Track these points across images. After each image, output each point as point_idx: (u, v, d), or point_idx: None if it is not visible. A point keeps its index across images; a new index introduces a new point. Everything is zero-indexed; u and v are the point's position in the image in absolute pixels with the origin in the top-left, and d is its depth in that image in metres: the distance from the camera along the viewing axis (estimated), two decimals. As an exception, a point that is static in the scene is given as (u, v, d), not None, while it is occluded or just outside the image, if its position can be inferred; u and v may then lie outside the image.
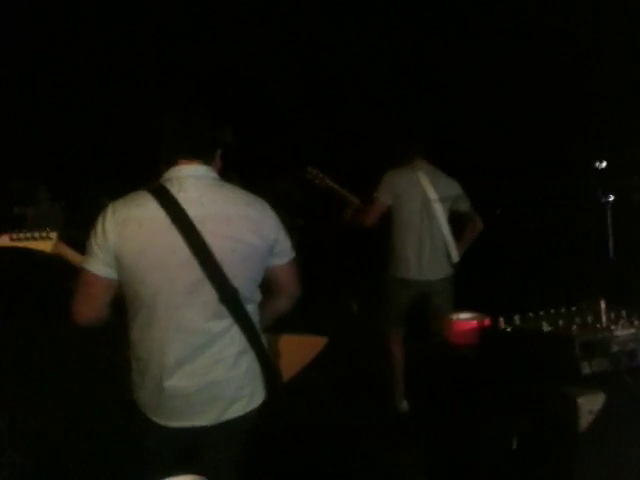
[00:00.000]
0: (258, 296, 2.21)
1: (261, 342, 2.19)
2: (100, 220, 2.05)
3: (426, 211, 4.29)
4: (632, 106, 4.76)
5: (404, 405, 4.29)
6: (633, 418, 1.79)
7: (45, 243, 2.41)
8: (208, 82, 6.11)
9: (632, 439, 1.79)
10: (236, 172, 3.76)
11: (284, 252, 2.23)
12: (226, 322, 2.09)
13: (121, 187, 2.24)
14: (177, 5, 6.26)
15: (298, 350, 2.49)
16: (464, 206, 4.46)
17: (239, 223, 2.08)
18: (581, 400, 1.73)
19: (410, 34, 6.02)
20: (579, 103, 5.43)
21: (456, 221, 4.40)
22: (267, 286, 2.28)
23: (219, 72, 6.16)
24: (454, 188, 4.43)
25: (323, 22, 6.33)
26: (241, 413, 2.12)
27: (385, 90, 6.24)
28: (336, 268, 4.92)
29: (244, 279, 2.10)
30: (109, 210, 2.05)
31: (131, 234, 2.01)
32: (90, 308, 2.09)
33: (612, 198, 3.37)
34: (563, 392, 1.77)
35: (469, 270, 4.35)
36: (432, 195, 4.30)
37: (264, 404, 2.19)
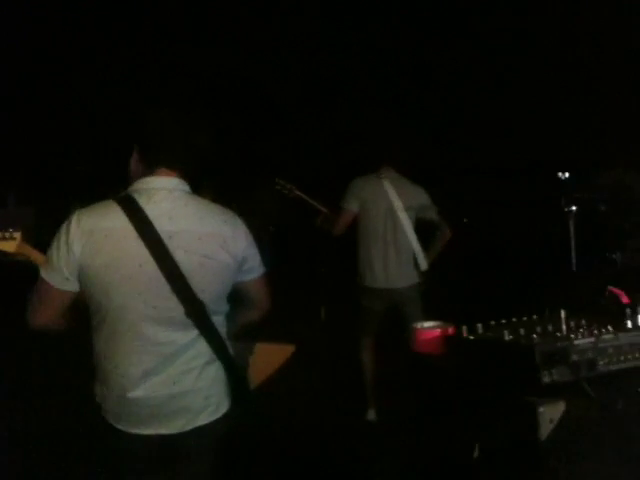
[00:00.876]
0: (225, 308, 2.21)
1: (228, 352, 2.19)
2: (64, 229, 2.01)
3: (391, 219, 4.31)
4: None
5: (372, 414, 4.30)
6: (593, 427, 1.81)
7: (9, 243, 2.35)
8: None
9: (592, 447, 1.81)
10: (211, 182, 3.75)
11: (254, 268, 2.23)
12: (192, 334, 2.08)
13: (94, 192, 2.19)
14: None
15: (266, 358, 2.49)
16: (431, 214, 4.49)
17: (210, 240, 2.06)
18: (541, 409, 1.75)
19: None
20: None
21: (425, 230, 4.43)
22: (237, 297, 2.29)
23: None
24: (421, 196, 4.46)
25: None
26: (207, 421, 2.11)
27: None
28: (306, 274, 4.93)
29: (211, 293, 2.09)
30: (74, 219, 2.01)
31: (96, 245, 1.98)
32: (44, 315, 2.07)
33: (575, 208, 3.43)
34: (524, 401, 1.78)
35: (437, 278, 4.39)
36: (397, 203, 4.33)
37: (231, 412, 2.18)
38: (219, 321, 2.15)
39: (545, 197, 3.86)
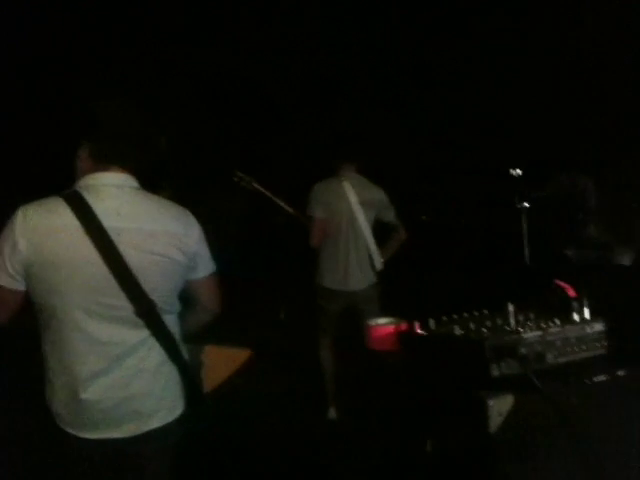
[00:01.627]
0: (177, 307, 2.18)
1: (181, 353, 2.16)
2: (9, 226, 1.97)
3: (351, 221, 4.35)
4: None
5: (332, 412, 4.31)
6: (541, 419, 1.84)
7: None
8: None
9: (541, 439, 1.84)
10: (169, 182, 3.72)
11: (204, 266, 2.21)
12: (143, 334, 2.05)
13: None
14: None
15: (220, 361, 2.48)
16: (389, 215, 4.54)
17: (160, 237, 2.03)
18: (491, 403, 1.77)
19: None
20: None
21: (381, 229, 4.47)
22: (186, 297, 2.26)
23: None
24: (379, 197, 4.50)
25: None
26: (160, 424, 2.09)
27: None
28: (265, 275, 4.92)
29: (162, 292, 2.06)
30: (19, 216, 1.96)
31: (42, 242, 1.94)
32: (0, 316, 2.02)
33: (527, 205, 3.49)
34: (473, 395, 1.80)
35: (394, 276, 4.42)
36: (357, 205, 4.37)
37: (185, 415, 2.16)
38: (171, 321, 2.12)
39: (499, 194, 3.92)
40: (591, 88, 5.19)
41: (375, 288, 4.45)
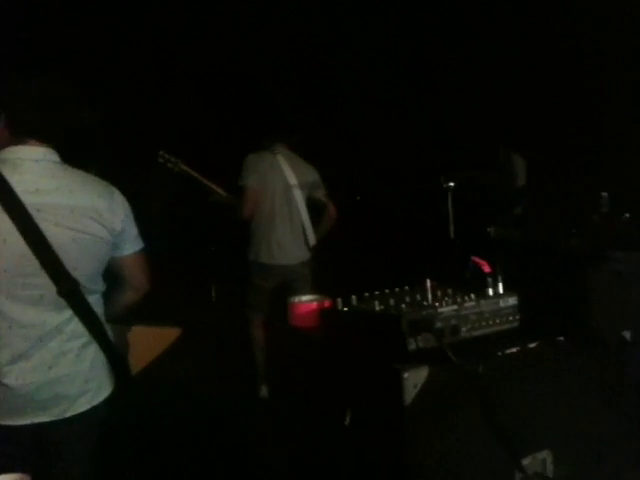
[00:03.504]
0: (101, 286, 2.14)
1: (106, 334, 2.13)
2: None
3: (286, 196, 4.35)
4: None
5: (264, 390, 4.34)
6: (455, 390, 1.90)
7: None
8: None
9: (455, 409, 1.91)
10: (96, 159, 3.63)
11: (131, 243, 2.17)
12: (65, 314, 2.00)
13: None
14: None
15: (148, 341, 2.46)
16: (320, 193, 4.57)
17: (82, 213, 1.98)
18: (406, 375, 1.82)
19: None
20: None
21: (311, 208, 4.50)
22: (113, 276, 2.23)
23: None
24: (312, 175, 4.52)
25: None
26: (86, 407, 2.05)
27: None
28: (195, 253, 4.89)
29: (85, 271, 2.02)
30: None
31: None
32: None
33: (453, 184, 3.57)
34: (390, 368, 1.85)
35: (325, 253, 4.47)
36: (292, 180, 4.37)
37: (112, 397, 2.14)
38: (95, 300, 2.09)
39: (427, 174, 4.00)
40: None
41: (308, 265, 4.48)
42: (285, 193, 4.35)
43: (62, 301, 1.98)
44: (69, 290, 1.98)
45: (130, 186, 2.28)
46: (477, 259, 2.16)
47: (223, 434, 3.75)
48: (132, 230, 2.18)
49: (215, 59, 5.59)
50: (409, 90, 6.09)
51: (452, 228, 3.54)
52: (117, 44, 5.40)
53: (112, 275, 2.19)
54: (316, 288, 3.98)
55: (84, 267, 2.01)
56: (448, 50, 5.98)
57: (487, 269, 2.15)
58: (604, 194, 3.64)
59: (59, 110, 2.07)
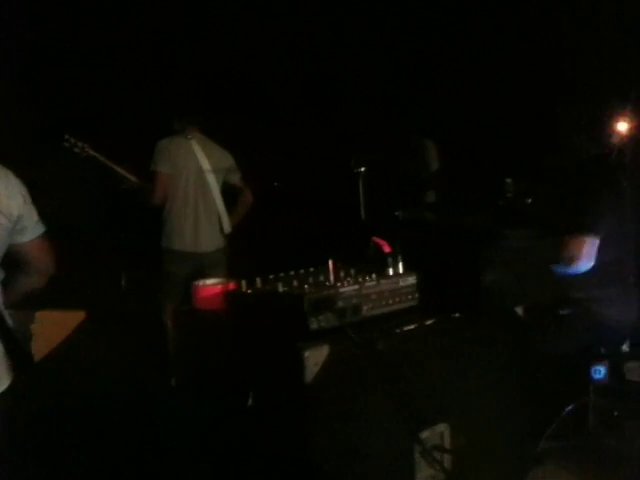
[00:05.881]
0: (1, 274, 2.08)
1: (5, 322, 2.06)
2: None
3: (200, 181, 4.29)
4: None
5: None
6: (355, 367, 1.95)
7: None
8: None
9: (355, 386, 1.96)
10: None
11: (31, 228, 2.11)
12: None
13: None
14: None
15: (52, 326, 2.41)
16: (235, 179, 4.53)
17: None
18: (307, 353, 1.85)
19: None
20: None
21: (228, 193, 4.46)
22: (15, 261, 2.17)
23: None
24: (227, 160, 4.48)
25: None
26: None
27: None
28: (104, 240, 4.76)
29: None
30: None
31: None
32: None
33: (364, 169, 3.61)
34: (291, 347, 1.88)
35: (242, 239, 4.46)
36: (206, 165, 4.31)
37: (15, 386, 2.08)
38: (-8, 288, 2.03)
39: (338, 158, 4.04)
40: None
41: (224, 252, 4.44)
42: (198, 178, 4.29)
43: None
44: None
45: (35, 171, 2.20)
46: (378, 240, 2.21)
47: (132, 422, 3.68)
48: (32, 216, 2.12)
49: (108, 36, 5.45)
50: (323, 77, 6.13)
51: (363, 212, 3.59)
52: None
53: (13, 261, 2.13)
54: (232, 274, 3.97)
55: None
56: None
57: (387, 249, 2.20)
58: (509, 180, 3.79)
59: None
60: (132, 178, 4.19)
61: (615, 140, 3.78)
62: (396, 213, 3.36)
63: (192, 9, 5.70)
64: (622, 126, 5.20)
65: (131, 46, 5.28)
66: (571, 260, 2.79)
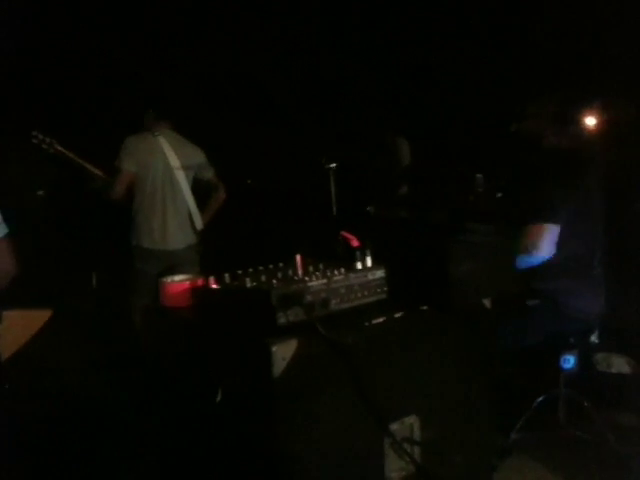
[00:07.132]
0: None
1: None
2: None
3: (169, 178, 4.25)
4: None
5: (151, 377, 4.26)
6: (324, 361, 1.95)
7: None
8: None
9: (323, 380, 1.95)
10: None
11: None
12: None
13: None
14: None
15: (17, 326, 2.38)
16: (208, 175, 4.50)
17: None
18: (274, 348, 1.84)
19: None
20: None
21: (201, 190, 4.43)
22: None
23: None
24: (198, 156, 4.44)
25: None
26: None
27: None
28: (75, 239, 4.70)
29: None
30: None
31: None
32: None
33: (334, 165, 3.63)
34: (259, 341, 1.87)
35: (214, 236, 4.43)
36: (175, 162, 4.27)
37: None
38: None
39: (311, 155, 4.04)
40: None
41: (195, 249, 4.40)
42: (166, 176, 4.24)
43: None
44: None
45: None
46: (346, 234, 2.21)
47: (99, 423, 3.64)
48: None
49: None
50: (297, 75, 6.12)
51: (335, 208, 3.60)
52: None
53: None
54: (204, 271, 3.94)
55: None
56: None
57: (355, 243, 2.20)
58: (479, 176, 3.82)
59: None
60: (99, 173, 4.14)
61: (584, 135, 3.82)
62: (368, 208, 3.37)
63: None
64: (590, 121, 5.27)
65: (101, 39, 5.24)
66: (532, 247, 2.81)
